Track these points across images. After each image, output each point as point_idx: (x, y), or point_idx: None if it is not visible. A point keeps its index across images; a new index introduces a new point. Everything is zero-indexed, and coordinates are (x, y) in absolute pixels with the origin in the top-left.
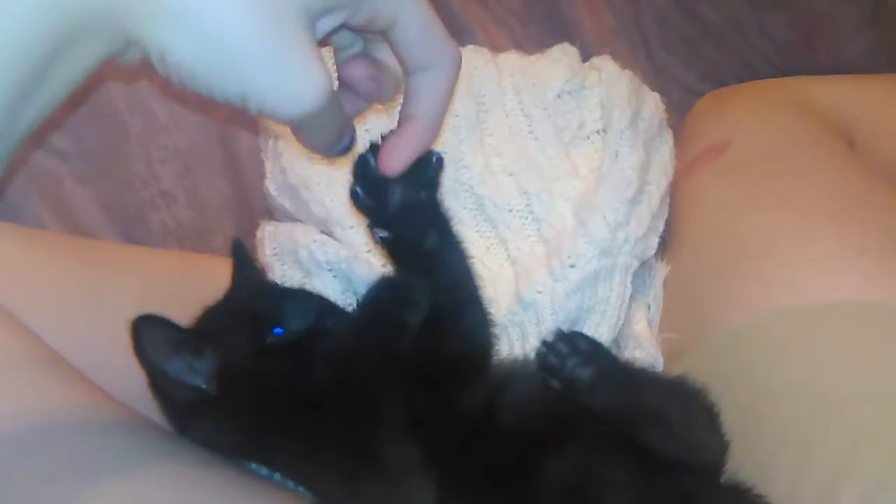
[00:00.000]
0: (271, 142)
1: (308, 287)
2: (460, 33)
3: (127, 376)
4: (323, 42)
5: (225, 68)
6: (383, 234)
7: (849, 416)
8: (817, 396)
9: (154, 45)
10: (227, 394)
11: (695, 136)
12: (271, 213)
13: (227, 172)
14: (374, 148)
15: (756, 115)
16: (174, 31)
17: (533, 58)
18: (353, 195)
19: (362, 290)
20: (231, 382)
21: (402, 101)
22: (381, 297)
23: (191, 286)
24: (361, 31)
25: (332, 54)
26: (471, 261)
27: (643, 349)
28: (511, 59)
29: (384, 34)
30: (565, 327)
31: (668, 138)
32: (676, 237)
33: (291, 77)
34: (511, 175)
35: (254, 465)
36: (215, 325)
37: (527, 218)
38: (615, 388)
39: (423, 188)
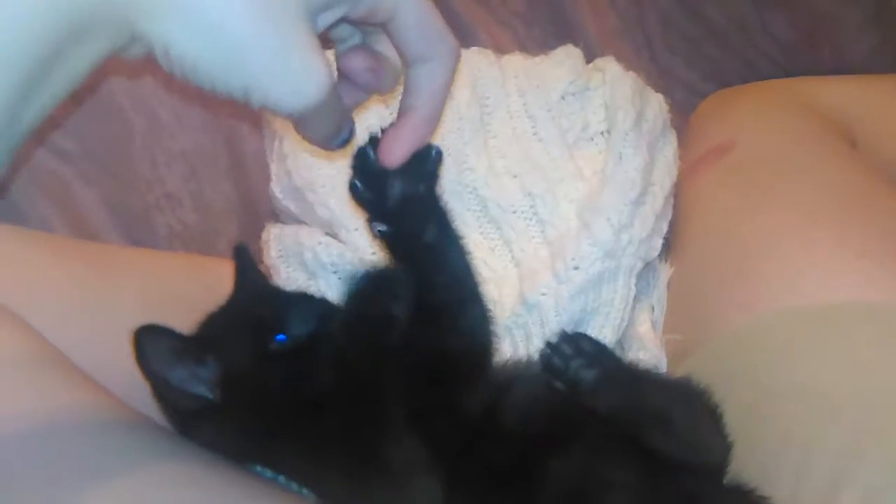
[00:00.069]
0: (276, 144)
1: (313, 289)
2: (464, 35)
3: (131, 377)
4: (323, 35)
5: (228, 62)
6: (382, 227)
7: (850, 417)
8: (819, 397)
9: (158, 40)
10: (230, 401)
11: (698, 137)
12: (276, 215)
13: (232, 175)
14: (373, 141)
15: (759, 116)
16: (178, 25)
17: (537, 59)
18: (353, 188)
19: None
20: (234, 390)
21: (401, 92)
22: (363, 291)
23: (196, 288)
24: (361, 24)
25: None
26: (470, 257)
27: (647, 350)
28: (515, 60)
29: (383, 26)
30: (569, 329)
31: (671, 139)
32: (680, 238)
33: (293, 72)
34: (515, 177)
35: (258, 468)
36: (218, 332)
37: (531, 219)
38: (619, 390)
39: (423, 181)
